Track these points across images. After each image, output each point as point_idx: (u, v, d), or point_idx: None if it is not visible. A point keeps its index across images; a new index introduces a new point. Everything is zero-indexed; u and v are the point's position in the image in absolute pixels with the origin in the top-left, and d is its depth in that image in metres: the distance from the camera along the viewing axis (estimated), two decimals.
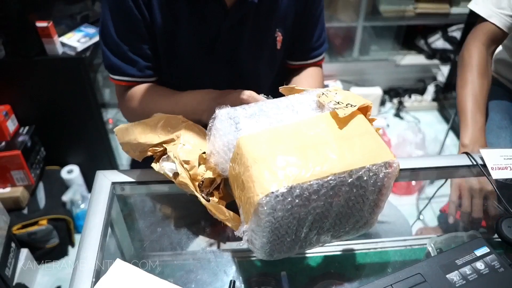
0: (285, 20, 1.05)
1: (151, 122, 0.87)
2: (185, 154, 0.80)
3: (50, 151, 2.03)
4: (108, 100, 2.13)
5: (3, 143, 1.82)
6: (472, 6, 1.33)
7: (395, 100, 2.87)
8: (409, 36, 2.93)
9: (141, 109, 1.01)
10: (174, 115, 0.88)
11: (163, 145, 0.83)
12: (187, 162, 0.79)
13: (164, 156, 0.83)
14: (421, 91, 2.92)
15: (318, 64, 1.18)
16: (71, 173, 2.03)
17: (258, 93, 0.86)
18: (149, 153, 0.85)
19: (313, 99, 0.81)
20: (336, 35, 2.86)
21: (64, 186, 2.02)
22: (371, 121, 0.81)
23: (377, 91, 2.69)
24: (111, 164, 2.07)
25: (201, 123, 0.88)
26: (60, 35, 1.76)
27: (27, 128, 1.91)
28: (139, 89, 1.03)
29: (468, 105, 1.18)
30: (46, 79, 1.80)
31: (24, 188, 1.87)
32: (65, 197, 1.94)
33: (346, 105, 0.78)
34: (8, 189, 1.86)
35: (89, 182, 2.09)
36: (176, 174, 0.79)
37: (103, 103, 2.00)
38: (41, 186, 1.97)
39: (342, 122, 0.74)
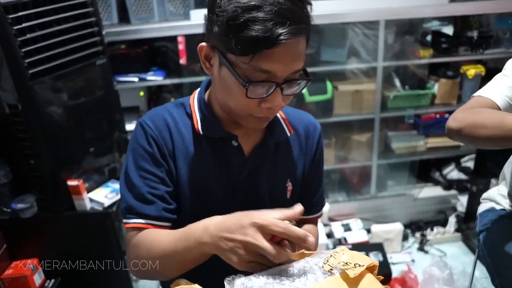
0: (295, 172, 1.13)
1: None
2: None
3: None
4: None
5: None
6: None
7: (418, 234, 2.85)
8: (424, 169, 3.01)
9: (145, 252, 0.96)
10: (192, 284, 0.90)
11: None
12: None
13: None
14: (443, 223, 2.91)
15: (314, 220, 1.23)
16: None
17: None
18: None
19: (323, 262, 0.84)
20: (352, 174, 2.96)
21: None
22: (378, 279, 0.83)
23: (398, 227, 2.69)
24: None
25: (205, 255, 0.89)
26: (89, 191, 1.89)
27: (53, 281, 1.94)
28: (150, 233, 0.99)
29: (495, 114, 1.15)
30: (73, 233, 1.89)
31: None
32: None
33: (354, 265, 0.81)
34: None
35: None
36: None
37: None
38: None
39: (353, 283, 0.77)
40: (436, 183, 3.03)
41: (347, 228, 2.71)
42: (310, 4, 0.88)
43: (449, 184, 2.98)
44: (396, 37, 2.62)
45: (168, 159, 1.02)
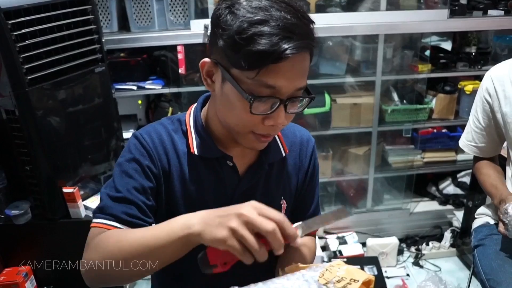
0: (289, 189, 1.13)
1: None
2: None
3: None
4: None
5: None
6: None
7: (413, 249, 2.84)
8: (420, 184, 3.02)
9: (114, 247, 0.85)
10: None
11: None
12: None
13: None
14: (438, 238, 2.90)
15: (312, 233, 1.24)
16: None
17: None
18: None
19: (318, 276, 0.84)
20: (349, 187, 2.96)
21: None
22: None
23: (394, 241, 2.68)
24: None
25: (188, 244, 0.80)
26: (84, 199, 1.88)
27: None
28: (117, 231, 0.92)
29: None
30: (67, 241, 1.86)
31: None
32: None
33: (350, 280, 0.81)
34: None
35: None
36: None
37: None
38: None
39: None
40: (433, 197, 3.03)
41: (342, 241, 2.70)
42: (314, 22, 0.88)
43: (445, 199, 2.98)
44: (395, 51, 2.64)
45: (160, 178, 1.00)
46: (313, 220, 0.85)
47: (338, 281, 0.80)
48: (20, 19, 1.62)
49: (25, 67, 1.65)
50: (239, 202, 1.04)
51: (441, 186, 3.01)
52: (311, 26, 0.87)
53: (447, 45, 2.69)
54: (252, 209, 0.76)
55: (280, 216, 0.76)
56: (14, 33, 1.61)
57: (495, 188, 1.54)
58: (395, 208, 2.92)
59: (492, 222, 1.66)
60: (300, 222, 0.83)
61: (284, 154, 1.10)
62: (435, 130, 2.82)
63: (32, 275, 1.92)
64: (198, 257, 0.78)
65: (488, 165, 1.65)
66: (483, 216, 1.72)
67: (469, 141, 1.67)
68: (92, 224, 0.95)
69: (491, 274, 1.49)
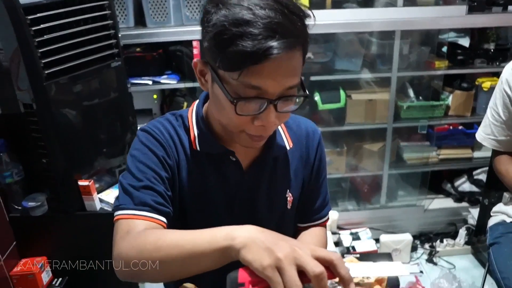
0: (294, 183, 1.13)
1: None
2: None
3: None
4: None
5: None
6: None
7: (427, 245, 2.82)
8: (435, 181, 2.99)
9: (154, 244, 0.80)
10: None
11: None
12: None
13: None
14: (453, 235, 2.88)
15: (323, 225, 1.24)
16: None
17: None
18: None
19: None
20: (363, 183, 2.95)
21: None
22: None
23: (407, 237, 2.67)
24: None
25: (226, 257, 0.73)
26: (99, 192, 1.90)
27: (60, 279, 1.96)
28: (157, 228, 0.91)
29: None
30: (82, 233, 1.91)
31: None
32: None
33: (363, 277, 0.81)
34: None
35: None
36: None
37: None
38: None
39: None
40: (448, 194, 3.00)
41: (356, 237, 2.70)
42: (308, 16, 0.85)
43: (460, 196, 2.95)
44: (412, 47, 2.61)
45: (174, 169, 1.01)
46: (367, 265, 0.79)
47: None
48: (38, 15, 1.65)
49: (43, 61, 1.67)
50: (244, 197, 1.05)
51: (456, 183, 2.98)
52: (301, 22, 0.83)
53: (465, 42, 2.65)
54: (306, 247, 0.69)
55: (335, 256, 0.69)
56: (33, 28, 1.63)
57: None
58: (410, 204, 2.90)
59: (508, 220, 1.64)
60: (351, 263, 0.77)
61: (288, 148, 1.09)
62: (451, 127, 2.79)
63: (48, 266, 1.95)
64: (229, 274, 0.71)
65: (510, 160, 1.62)
66: (499, 214, 1.70)
67: (487, 134, 1.65)
68: (117, 217, 0.92)
69: (506, 273, 1.48)
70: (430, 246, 2.81)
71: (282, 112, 0.87)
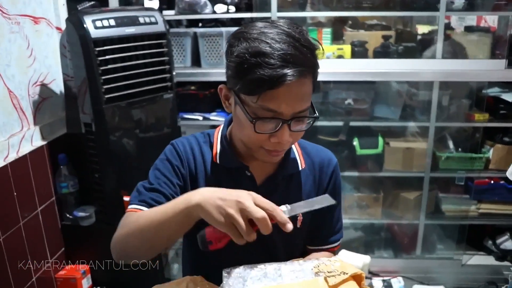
0: None
1: (174, 283, 1.03)
2: None
3: None
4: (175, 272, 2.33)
5: None
6: None
7: None
8: (476, 237, 2.93)
9: (133, 224, 1.01)
10: (195, 276, 1.02)
11: None
12: None
13: None
14: None
15: (332, 251, 1.28)
16: None
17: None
18: None
19: (314, 266, 0.94)
20: (399, 232, 2.95)
21: None
22: None
23: None
24: None
25: (189, 217, 0.91)
26: None
27: None
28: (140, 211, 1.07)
29: None
30: None
31: None
32: None
33: (340, 273, 0.91)
34: None
35: None
36: None
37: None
38: None
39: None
40: (489, 252, 2.92)
41: (387, 284, 2.68)
42: (317, 48, 1.00)
43: (502, 255, 2.86)
44: (452, 99, 2.68)
45: (187, 178, 1.14)
46: (298, 204, 0.95)
47: (330, 272, 0.90)
48: (105, 48, 1.92)
49: (104, 87, 1.93)
50: None
51: (498, 241, 2.90)
52: (312, 53, 0.98)
53: (509, 97, 2.68)
54: (249, 198, 0.87)
55: (271, 205, 0.87)
56: (99, 58, 1.90)
57: None
58: (446, 257, 2.86)
59: None
60: (286, 205, 0.93)
61: (300, 168, 1.20)
62: (492, 181, 2.76)
63: (89, 274, 2.13)
64: (198, 234, 0.91)
65: None
66: None
67: None
68: (126, 210, 1.10)
69: None
70: None
71: (295, 131, 1.02)
